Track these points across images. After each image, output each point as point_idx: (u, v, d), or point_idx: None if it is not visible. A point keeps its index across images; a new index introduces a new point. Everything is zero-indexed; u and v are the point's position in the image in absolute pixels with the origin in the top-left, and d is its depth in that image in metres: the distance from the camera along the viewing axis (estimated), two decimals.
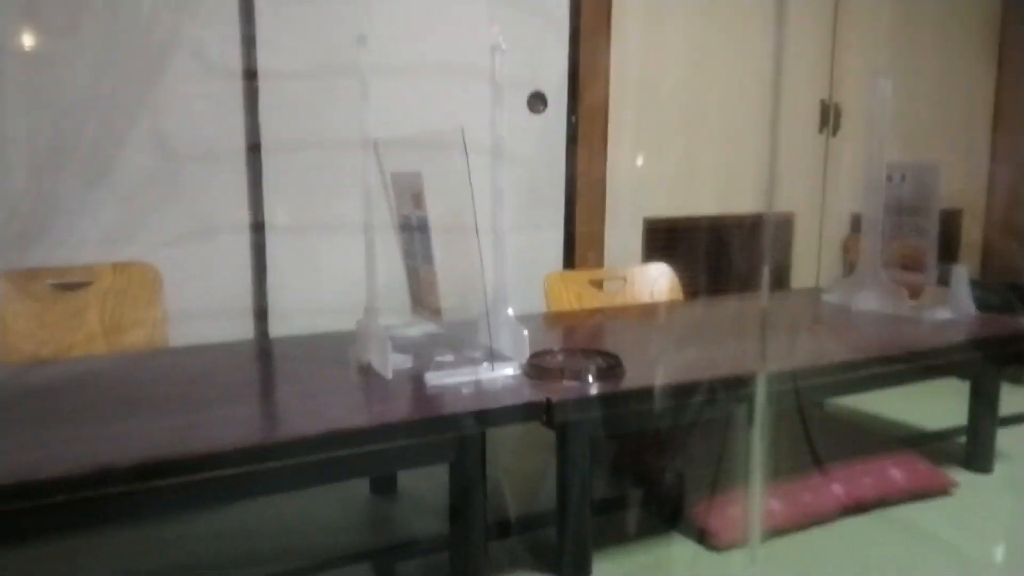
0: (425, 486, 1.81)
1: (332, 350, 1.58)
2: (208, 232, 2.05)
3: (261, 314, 2.13)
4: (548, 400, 1.28)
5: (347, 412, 1.23)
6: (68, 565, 1.45)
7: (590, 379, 1.37)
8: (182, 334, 1.75)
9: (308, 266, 2.17)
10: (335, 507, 1.70)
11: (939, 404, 2.33)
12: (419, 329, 1.64)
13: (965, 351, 1.73)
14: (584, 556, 1.43)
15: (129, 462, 1.02)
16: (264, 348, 1.71)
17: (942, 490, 1.73)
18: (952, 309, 1.90)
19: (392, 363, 1.39)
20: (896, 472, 1.72)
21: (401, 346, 1.54)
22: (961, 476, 1.81)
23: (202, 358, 1.55)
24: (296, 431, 1.14)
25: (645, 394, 1.36)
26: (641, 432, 1.45)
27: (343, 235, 2.15)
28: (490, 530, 1.44)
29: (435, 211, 1.37)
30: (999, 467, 1.86)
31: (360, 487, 1.80)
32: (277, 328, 2.13)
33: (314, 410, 1.23)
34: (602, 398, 1.33)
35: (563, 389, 1.33)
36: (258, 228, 2.12)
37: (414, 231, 1.43)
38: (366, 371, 1.43)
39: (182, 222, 2.01)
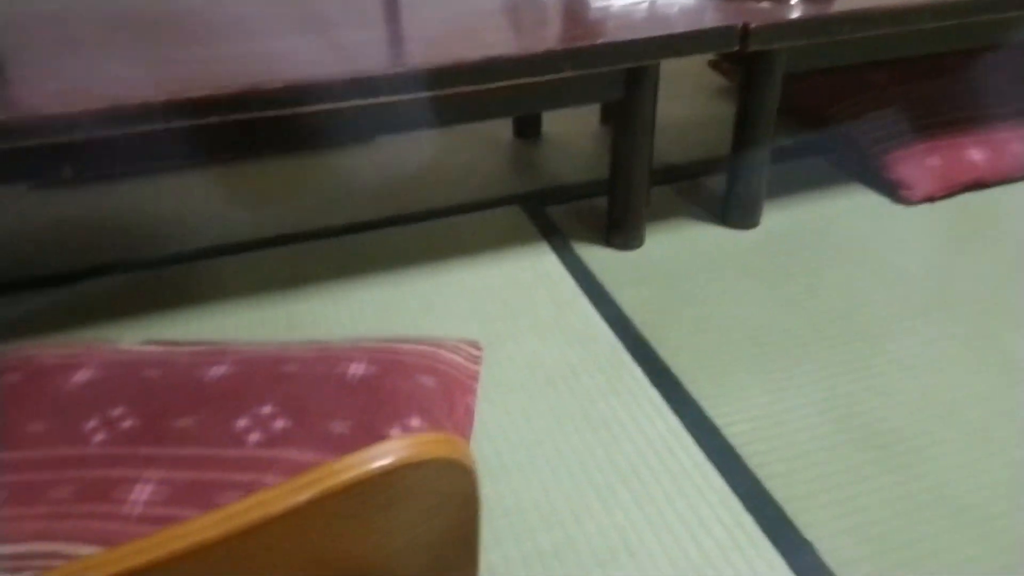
0: (569, 130, 1.68)
1: None
2: None
3: None
4: (745, 25, 1.05)
5: (503, 37, 1.05)
6: (198, 192, 1.44)
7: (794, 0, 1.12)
8: None
9: None
10: (480, 150, 1.60)
11: None
12: None
13: None
14: (755, 205, 1.30)
15: (239, 88, 0.90)
16: None
17: None
18: None
19: None
20: None
21: None
22: None
23: None
24: (452, 56, 0.98)
25: (862, 19, 1.11)
26: (841, 69, 1.22)
27: None
28: (653, 176, 1.32)
29: None
30: None
31: (503, 131, 1.68)
32: None
33: (465, 34, 1.06)
34: (809, 23, 1.09)
35: (762, 12, 1.09)
36: None
37: None
38: None
39: None
